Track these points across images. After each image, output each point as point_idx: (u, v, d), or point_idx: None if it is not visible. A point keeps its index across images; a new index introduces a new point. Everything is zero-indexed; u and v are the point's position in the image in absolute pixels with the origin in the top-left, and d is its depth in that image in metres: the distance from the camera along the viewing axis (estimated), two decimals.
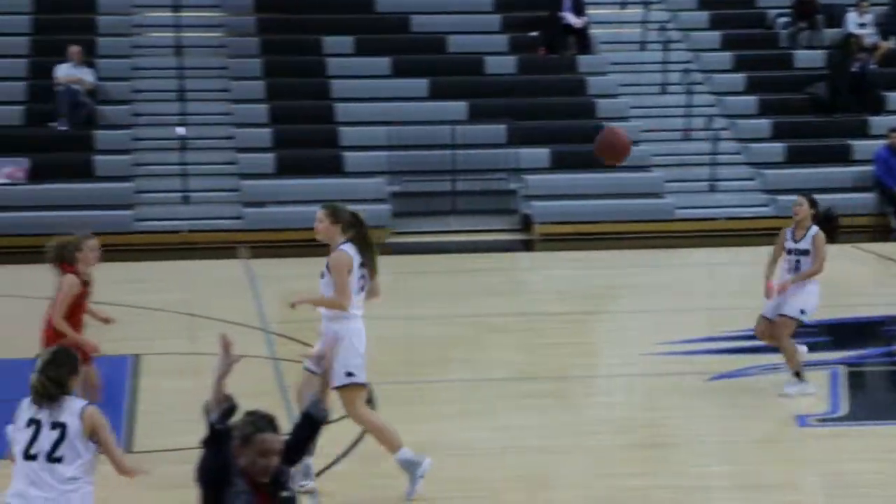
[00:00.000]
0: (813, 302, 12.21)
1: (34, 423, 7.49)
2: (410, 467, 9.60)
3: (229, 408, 6.46)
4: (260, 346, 15.02)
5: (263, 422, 6.49)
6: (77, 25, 24.92)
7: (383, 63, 24.42)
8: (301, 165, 22.62)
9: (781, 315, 12.10)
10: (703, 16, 26.35)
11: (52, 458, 7.48)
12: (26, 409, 7.51)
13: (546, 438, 11.02)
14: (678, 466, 10.61)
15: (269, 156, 22.67)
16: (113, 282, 17.65)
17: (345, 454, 11.01)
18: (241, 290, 18.29)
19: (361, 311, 10.06)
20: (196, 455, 6.48)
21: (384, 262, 21.73)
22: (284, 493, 6.31)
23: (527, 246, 21.36)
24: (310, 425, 6.95)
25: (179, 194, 21.98)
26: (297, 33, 25.63)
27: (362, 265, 10.14)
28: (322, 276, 10.12)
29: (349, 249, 9.97)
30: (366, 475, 10.47)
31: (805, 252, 12.19)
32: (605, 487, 9.85)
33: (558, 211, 21.39)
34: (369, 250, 10.32)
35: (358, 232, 10.30)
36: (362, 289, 10.08)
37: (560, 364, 13.81)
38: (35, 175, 21.97)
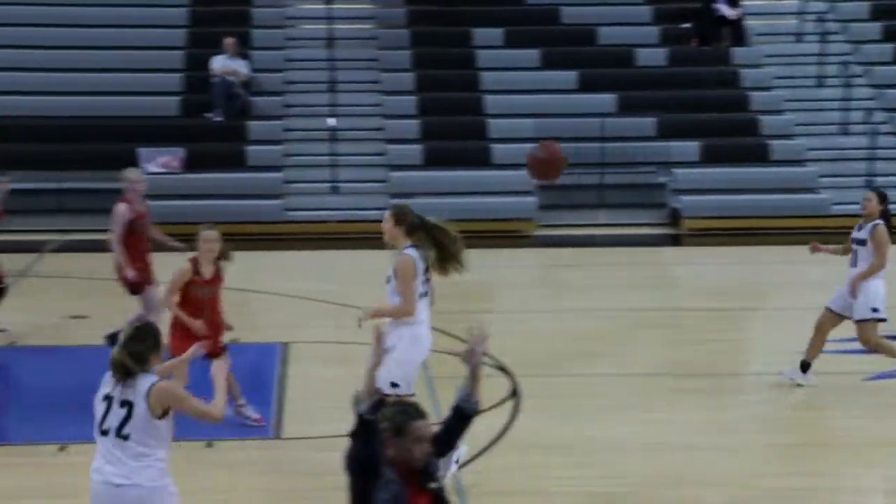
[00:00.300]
0: (881, 296, 12.02)
1: (108, 398, 7.54)
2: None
3: (379, 400, 6.52)
4: None
5: (413, 410, 6.49)
6: (232, 18, 25.41)
7: (532, 55, 24.41)
8: (449, 157, 22.68)
9: (857, 321, 12.02)
10: (864, 6, 25.91)
11: (121, 434, 7.53)
12: (106, 383, 7.56)
13: (693, 435, 10.92)
14: (833, 467, 10.42)
15: (418, 147, 22.78)
16: (262, 270, 18.10)
17: (490, 445, 10.94)
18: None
19: (425, 317, 10.04)
20: (344, 442, 6.64)
21: (529, 255, 21.40)
22: (433, 485, 6.30)
23: (675, 241, 21.15)
24: (460, 419, 6.92)
25: (328, 185, 22.21)
26: (447, 25, 25.71)
27: (426, 270, 10.08)
28: (388, 280, 10.07)
29: (413, 254, 9.89)
30: (512, 467, 10.39)
31: (863, 242, 12.08)
32: (760, 487, 9.76)
33: (708, 205, 21.18)
34: (444, 252, 10.19)
35: (425, 235, 10.19)
36: (425, 294, 9.98)
37: (707, 360, 13.71)
38: (189, 165, 22.32)
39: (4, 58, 24.65)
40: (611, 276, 19.00)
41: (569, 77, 23.99)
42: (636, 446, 10.94)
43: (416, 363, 9.85)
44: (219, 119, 23.32)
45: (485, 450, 10.87)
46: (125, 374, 7.43)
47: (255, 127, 23.42)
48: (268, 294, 17.39)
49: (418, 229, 10.15)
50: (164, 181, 21.83)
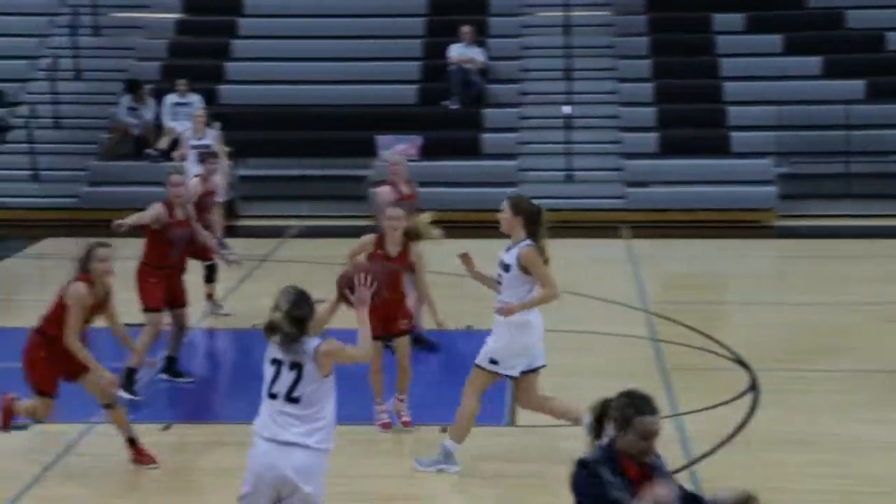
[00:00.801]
0: None
1: (276, 362, 7.69)
2: (448, 458, 9.97)
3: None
4: (640, 326, 15.01)
5: (643, 402, 6.35)
6: (469, 6, 25.58)
7: (775, 40, 23.96)
8: (686, 145, 22.40)
9: None
10: None
11: (291, 398, 7.68)
12: (272, 348, 7.71)
13: None
14: None
15: (654, 135, 22.62)
16: (495, 259, 17.98)
17: (728, 440, 10.81)
18: (622, 269, 18.37)
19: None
20: (575, 432, 6.72)
21: (769, 246, 21.09)
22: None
23: None
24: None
25: (563, 173, 22.22)
26: (685, 11, 25.37)
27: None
28: (507, 269, 10.11)
29: (531, 244, 10.04)
30: (748, 463, 10.19)
31: None
32: None
33: None
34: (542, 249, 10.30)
35: (536, 228, 10.26)
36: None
37: None
38: (427, 152, 22.46)
39: (249, 48, 25.35)
40: (857, 269, 18.45)
41: (813, 63, 23.50)
42: (875, 445, 10.47)
43: (524, 346, 9.97)
44: (455, 107, 23.58)
45: (722, 444, 10.67)
46: (290, 338, 7.61)
47: (490, 115, 23.55)
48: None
49: (534, 222, 10.26)
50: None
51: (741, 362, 13.14)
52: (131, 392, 12.17)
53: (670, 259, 19.39)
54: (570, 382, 12.10)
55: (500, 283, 10.17)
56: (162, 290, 12.76)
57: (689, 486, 9.29)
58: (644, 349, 14.00)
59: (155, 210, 12.79)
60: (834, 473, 10.03)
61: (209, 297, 15.44)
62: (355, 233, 19.65)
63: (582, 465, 6.34)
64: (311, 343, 7.73)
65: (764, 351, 13.61)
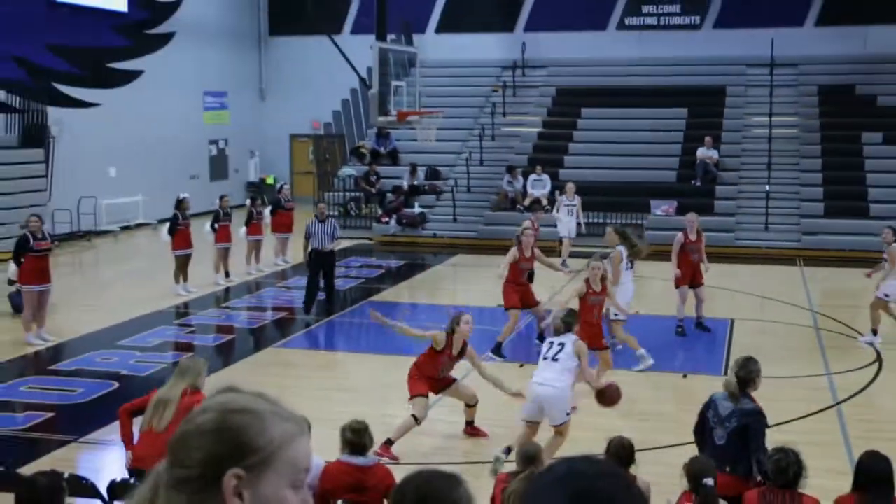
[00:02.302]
0: None
1: (551, 343, 8.81)
2: None
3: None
4: (808, 319, 15.06)
5: None
6: (710, 125, 25.57)
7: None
8: (840, 210, 22.42)
9: None
10: None
11: (554, 358, 8.63)
12: (549, 337, 8.79)
13: None
14: None
15: (821, 204, 22.77)
16: None
17: (858, 393, 10.98)
18: (798, 285, 18.17)
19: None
20: None
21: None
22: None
23: None
24: None
25: (762, 225, 22.65)
26: (843, 129, 24.99)
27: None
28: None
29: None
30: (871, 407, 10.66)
31: None
32: None
33: None
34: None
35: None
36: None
37: None
38: (679, 210, 22.17)
39: (579, 149, 26.10)
40: None
41: None
42: None
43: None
44: (698, 184, 23.79)
45: (856, 394, 10.80)
46: (565, 330, 8.68)
47: (720, 190, 23.71)
48: None
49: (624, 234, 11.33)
50: None
51: (872, 345, 13.26)
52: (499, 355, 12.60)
53: (827, 280, 19.21)
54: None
55: None
56: (517, 295, 13.13)
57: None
58: (810, 333, 14.32)
59: (512, 253, 13.14)
60: None
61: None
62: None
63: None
64: (572, 336, 8.70)
65: (889, 336, 13.54)
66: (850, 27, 27.81)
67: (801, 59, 27.80)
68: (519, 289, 13.07)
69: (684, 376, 12.24)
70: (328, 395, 11.37)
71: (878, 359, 12.71)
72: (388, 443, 9.29)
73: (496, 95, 28.56)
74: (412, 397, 9.56)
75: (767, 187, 24.00)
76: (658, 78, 28.08)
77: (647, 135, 26.35)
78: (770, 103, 26.32)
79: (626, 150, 25.92)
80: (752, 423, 6.55)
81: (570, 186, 21.02)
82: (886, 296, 13.50)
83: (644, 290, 17.83)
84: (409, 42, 29.38)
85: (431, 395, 9.70)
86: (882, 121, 25.48)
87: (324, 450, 6.51)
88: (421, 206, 25.63)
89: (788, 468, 5.57)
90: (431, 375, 9.61)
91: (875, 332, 13.51)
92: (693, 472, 5.70)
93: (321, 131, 32.31)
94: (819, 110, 26.49)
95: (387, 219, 25.36)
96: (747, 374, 6.76)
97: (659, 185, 24.82)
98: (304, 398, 10.49)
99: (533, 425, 8.76)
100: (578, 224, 20.92)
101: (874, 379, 11.95)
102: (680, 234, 14.26)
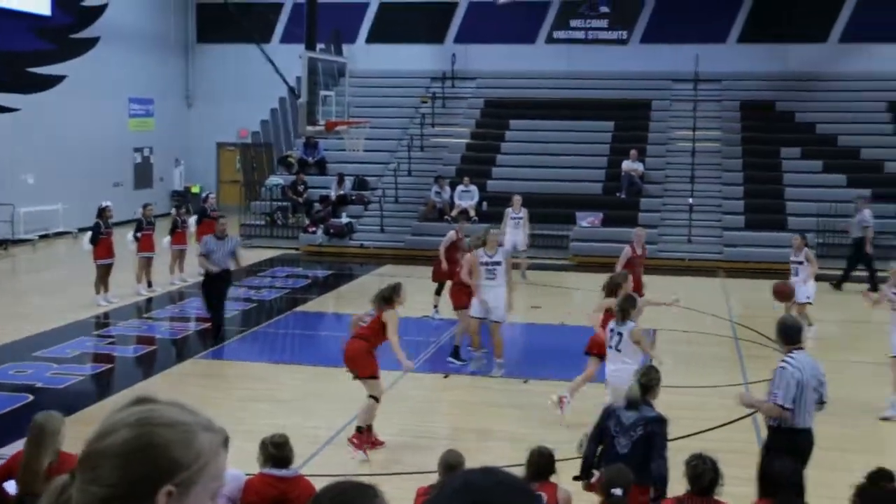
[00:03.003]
0: None
1: (612, 330, 9.15)
2: None
3: None
4: (728, 329, 15.40)
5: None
6: (636, 139, 25.91)
7: (818, 164, 24.33)
8: (760, 223, 22.82)
9: None
10: None
11: (617, 348, 9.05)
12: (613, 324, 9.02)
13: None
14: None
15: (742, 217, 23.27)
16: None
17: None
18: (718, 296, 18.58)
19: None
20: None
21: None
22: None
23: None
24: None
25: (685, 237, 22.92)
26: (763, 144, 25.54)
27: None
28: None
29: None
30: None
31: None
32: None
33: None
34: None
35: None
36: None
37: None
38: (605, 222, 23.32)
39: (507, 160, 25.99)
40: None
41: (840, 178, 23.59)
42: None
43: None
44: (623, 196, 24.16)
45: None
46: (622, 318, 9.04)
47: (644, 202, 24.09)
48: None
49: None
50: None
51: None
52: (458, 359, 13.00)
53: (747, 291, 19.17)
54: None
55: None
56: (467, 296, 13.10)
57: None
58: (730, 343, 14.56)
59: (468, 260, 12.90)
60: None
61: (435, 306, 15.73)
62: (560, 268, 21.39)
63: None
64: (630, 325, 9.01)
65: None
66: (772, 45, 28.48)
67: (725, 75, 28.45)
68: (468, 290, 13.12)
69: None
70: (250, 406, 11.30)
71: None
72: (359, 430, 9.55)
73: (425, 106, 28.73)
74: (366, 378, 9.70)
75: (691, 200, 24.45)
76: (585, 91, 28.36)
77: (574, 147, 26.69)
78: (694, 118, 26.94)
79: (553, 161, 26.19)
80: (658, 430, 6.59)
81: (517, 199, 20.77)
82: (808, 297, 14.24)
83: (576, 301, 18.08)
84: (339, 52, 29.30)
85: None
86: (800, 136, 26.17)
87: (245, 462, 6.44)
88: (348, 216, 25.62)
89: (704, 474, 5.62)
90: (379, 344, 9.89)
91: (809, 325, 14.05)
92: (604, 481, 5.76)
93: (249, 140, 32.09)
94: (741, 125, 27.06)
95: (314, 228, 25.31)
96: (648, 381, 6.89)
97: (585, 197, 25.07)
98: (225, 409, 10.40)
99: None
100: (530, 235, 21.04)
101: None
102: (627, 248, 14.57)
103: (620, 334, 8.79)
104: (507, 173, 26.09)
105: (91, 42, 27.64)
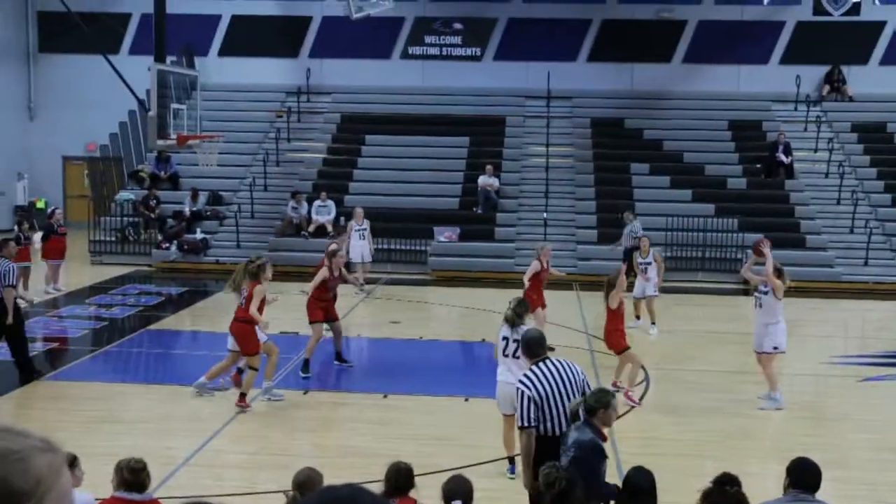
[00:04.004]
0: None
1: (505, 339, 8.82)
2: None
3: None
4: (583, 341, 15.61)
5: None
6: (491, 153, 26.35)
7: (665, 180, 25.11)
8: (610, 238, 22.12)
9: None
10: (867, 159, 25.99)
11: (514, 356, 8.65)
12: (503, 330, 8.78)
13: None
14: None
15: (595, 231, 23.51)
16: None
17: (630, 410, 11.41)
18: (573, 308, 18.95)
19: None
20: None
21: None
22: None
23: None
24: None
25: None
26: (615, 160, 26.20)
27: None
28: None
29: None
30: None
31: None
32: None
33: None
34: None
35: None
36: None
37: None
38: (462, 237, 23.51)
39: (364, 175, 25.98)
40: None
41: (686, 193, 24.41)
42: None
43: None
44: (480, 211, 24.34)
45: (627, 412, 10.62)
46: (514, 324, 8.71)
47: (500, 217, 24.41)
48: None
49: None
50: None
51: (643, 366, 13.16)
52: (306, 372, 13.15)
53: (601, 304, 18.47)
54: None
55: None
56: (322, 311, 13.56)
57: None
58: (586, 355, 14.63)
59: (322, 273, 13.58)
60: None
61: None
62: (419, 283, 21.49)
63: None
64: (524, 328, 8.60)
65: (656, 356, 14.54)
66: (618, 64, 29.36)
67: (575, 93, 29.08)
68: (323, 304, 13.53)
69: (466, 399, 12.42)
70: (101, 427, 11.04)
71: (646, 377, 13.36)
72: (242, 396, 11.48)
73: (280, 121, 28.53)
74: (248, 355, 11.55)
75: (545, 215, 24.95)
76: (441, 107, 28.62)
77: (431, 162, 26.91)
78: (547, 134, 27.29)
79: (409, 177, 26.40)
80: (585, 455, 6.26)
81: (359, 211, 21.44)
82: (656, 292, 16.53)
83: (435, 316, 18.29)
84: (191, 65, 28.95)
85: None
86: (648, 153, 26.96)
87: (97, 486, 6.32)
88: (203, 232, 25.35)
89: (556, 482, 5.71)
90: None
91: (639, 320, 16.40)
92: (444, 492, 5.82)
93: (97, 154, 31.26)
94: (592, 141, 27.64)
95: (167, 244, 24.97)
96: (595, 402, 6.50)
97: (442, 212, 25.27)
98: (73, 432, 10.10)
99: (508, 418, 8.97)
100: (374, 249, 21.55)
101: (643, 396, 12.64)
102: (536, 262, 14.98)
103: (517, 341, 8.42)
104: (364, 188, 26.20)
105: None
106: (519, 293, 12.81)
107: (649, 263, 16.92)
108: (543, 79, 28.43)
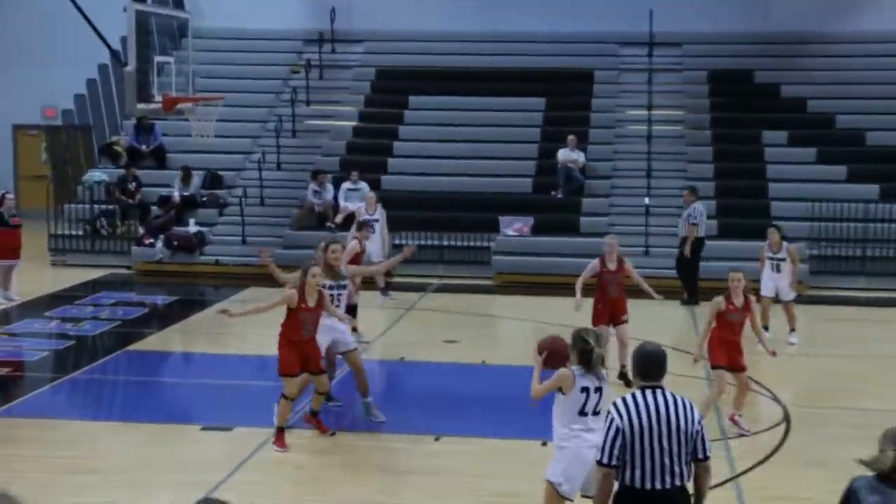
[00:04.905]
0: None
1: (585, 390, 8.23)
2: None
3: None
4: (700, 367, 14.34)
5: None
6: (574, 119, 26.75)
7: (811, 153, 25.33)
8: (739, 230, 23.03)
9: None
10: None
11: (596, 412, 8.23)
12: (581, 377, 8.24)
13: None
14: None
15: (714, 222, 23.04)
16: None
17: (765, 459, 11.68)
18: (684, 319, 19.57)
19: None
20: None
21: (800, 310, 18.97)
22: None
23: None
24: None
25: (642, 248, 23.03)
26: (741, 128, 26.57)
27: None
28: None
29: None
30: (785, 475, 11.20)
31: None
32: None
33: None
34: None
35: None
36: None
37: None
38: (536, 230, 23.95)
39: (406, 149, 26.61)
40: (870, 330, 19.16)
41: (839, 170, 24.71)
42: None
43: None
44: (560, 196, 24.67)
45: (762, 461, 11.50)
46: (596, 367, 8.26)
47: (587, 203, 24.58)
48: None
49: None
50: (518, 242, 23.61)
51: (776, 399, 13.95)
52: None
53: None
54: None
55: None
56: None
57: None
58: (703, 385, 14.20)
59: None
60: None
61: (354, 329, 15.36)
62: (481, 290, 21.60)
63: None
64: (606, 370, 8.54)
65: (796, 390, 14.74)
66: None
67: (687, 37, 28.70)
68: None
69: (543, 444, 12.13)
70: (64, 479, 11.04)
71: (786, 416, 13.53)
72: (280, 431, 11.88)
73: (298, 77, 28.61)
74: (283, 376, 11.92)
75: (647, 200, 24.68)
76: (507, 57, 28.55)
77: (495, 131, 26.83)
78: (649, 93, 27.24)
79: (466, 150, 26.38)
80: None
81: (371, 196, 21.51)
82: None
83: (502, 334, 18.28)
84: (180, 5, 29.12)
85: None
86: (786, 116, 26.66)
87: None
88: (198, 224, 25.40)
89: None
90: (296, 338, 11.92)
91: (767, 331, 15.80)
92: None
93: (58, 121, 31.52)
94: (709, 102, 27.49)
95: (151, 240, 25.11)
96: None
97: (510, 197, 25.29)
98: (28, 485, 9.99)
99: None
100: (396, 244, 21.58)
101: (781, 444, 12.70)
102: (595, 261, 14.94)
103: (600, 391, 8.26)
104: (406, 166, 26.23)
105: None
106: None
107: (783, 260, 17.31)
108: (644, 19, 27.93)
